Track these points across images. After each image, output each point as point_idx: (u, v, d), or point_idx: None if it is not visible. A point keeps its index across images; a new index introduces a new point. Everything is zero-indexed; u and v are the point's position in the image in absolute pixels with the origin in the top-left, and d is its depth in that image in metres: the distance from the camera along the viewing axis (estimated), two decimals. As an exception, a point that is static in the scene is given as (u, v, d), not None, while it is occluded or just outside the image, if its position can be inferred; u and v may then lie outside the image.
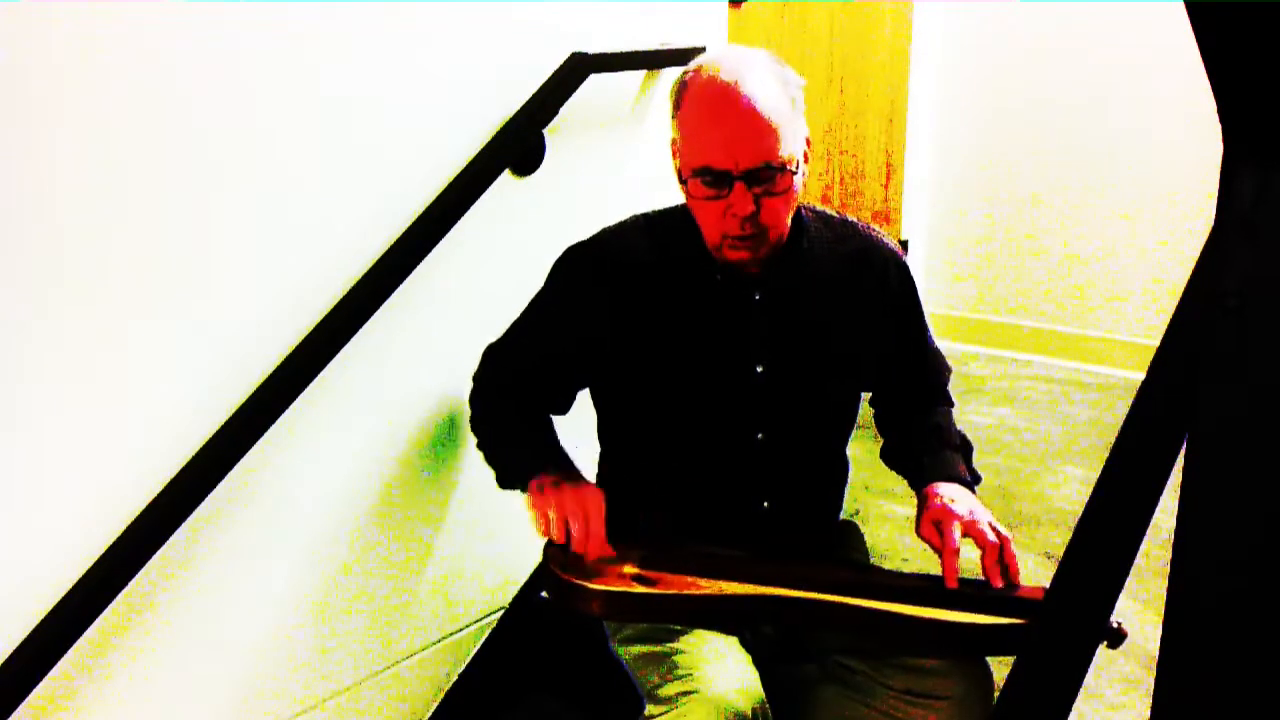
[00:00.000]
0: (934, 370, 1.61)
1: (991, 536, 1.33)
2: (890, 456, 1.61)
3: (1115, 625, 1.24)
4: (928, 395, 1.61)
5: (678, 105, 1.36)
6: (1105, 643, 1.24)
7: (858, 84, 3.39)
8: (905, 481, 1.55)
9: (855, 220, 1.55)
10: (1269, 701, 0.65)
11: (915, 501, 1.46)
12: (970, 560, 1.34)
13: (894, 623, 1.28)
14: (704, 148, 1.30)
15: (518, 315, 1.56)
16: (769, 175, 1.30)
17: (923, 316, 1.57)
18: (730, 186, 1.30)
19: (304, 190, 1.50)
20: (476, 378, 1.61)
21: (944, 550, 1.32)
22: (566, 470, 1.43)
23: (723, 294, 1.43)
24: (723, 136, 1.29)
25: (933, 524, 1.37)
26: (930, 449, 1.51)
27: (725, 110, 1.29)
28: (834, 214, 1.54)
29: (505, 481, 1.49)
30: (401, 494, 1.72)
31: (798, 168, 1.33)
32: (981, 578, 1.32)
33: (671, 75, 1.43)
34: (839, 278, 1.47)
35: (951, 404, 1.62)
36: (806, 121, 1.37)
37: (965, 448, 1.54)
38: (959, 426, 1.58)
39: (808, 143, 1.37)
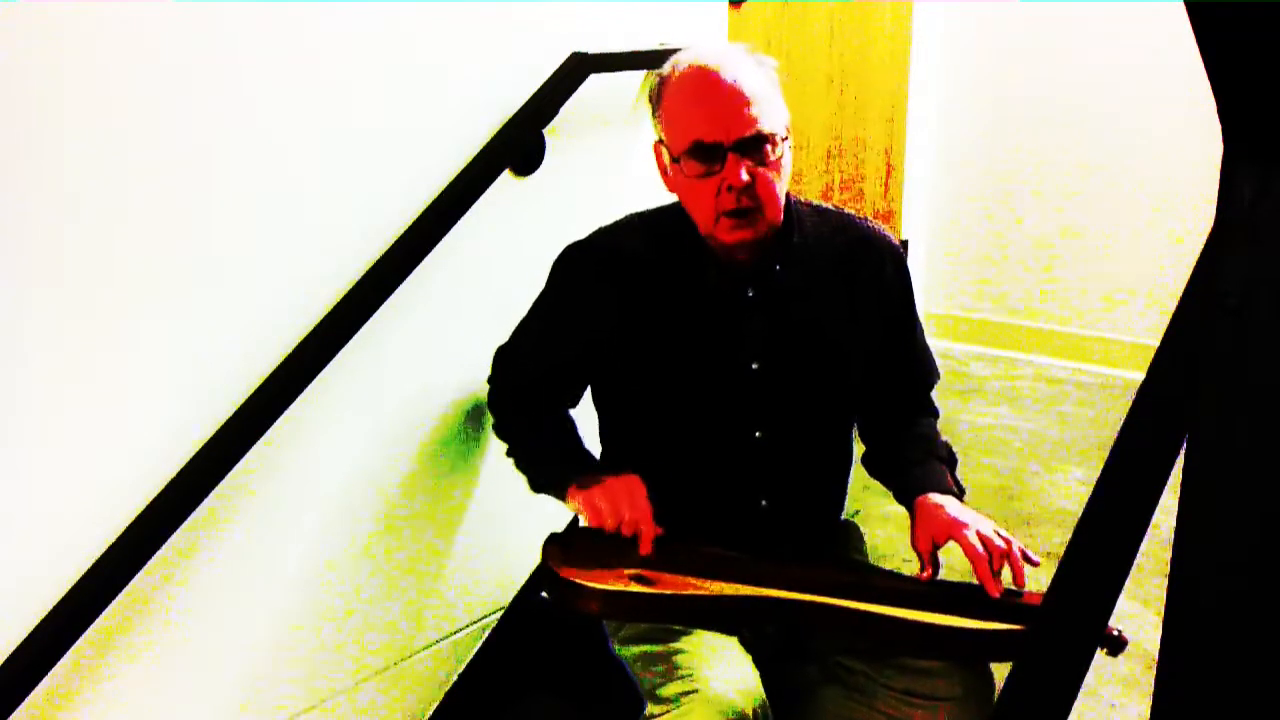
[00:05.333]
0: (922, 370, 1.59)
1: (999, 543, 1.33)
2: (874, 465, 1.60)
3: (1116, 633, 1.23)
4: (913, 400, 1.60)
5: (659, 100, 1.38)
6: (1106, 650, 1.24)
7: (858, 84, 3.39)
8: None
9: (852, 213, 1.55)
10: (1269, 701, 0.65)
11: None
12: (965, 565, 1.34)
13: (893, 627, 1.28)
14: (692, 125, 1.33)
15: (523, 316, 1.57)
16: (758, 144, 1.32)
17: (915, 312, 1.56)
18: (723, 160, 1.32)
19: (304, 190, 1.50)
20: (491, 381, 1.62)
21: (976, 563, 1.31)
22: (597, 470, 1.47)
23: (717, 292, 1.43)
24: (710, 110, 1.31)
25: (942, 538, 1.36)
26: (918, 459, 1.51)
27: (710, 88, 1.32)
28: (830, 207, 1.54)
29: (538, 488, 1.52)
30: (402, 494, 1.71)
31: (786, 138, 1.35)
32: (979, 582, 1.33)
33: (671, 75, 1.43)
34: (835, 270, 1.47)
35: (937, 414, 1.61)
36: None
37: (951, 460, 1.53)
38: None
39: (787, 130, 1.39)
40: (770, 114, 1.33)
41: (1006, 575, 1.32)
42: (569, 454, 1.52)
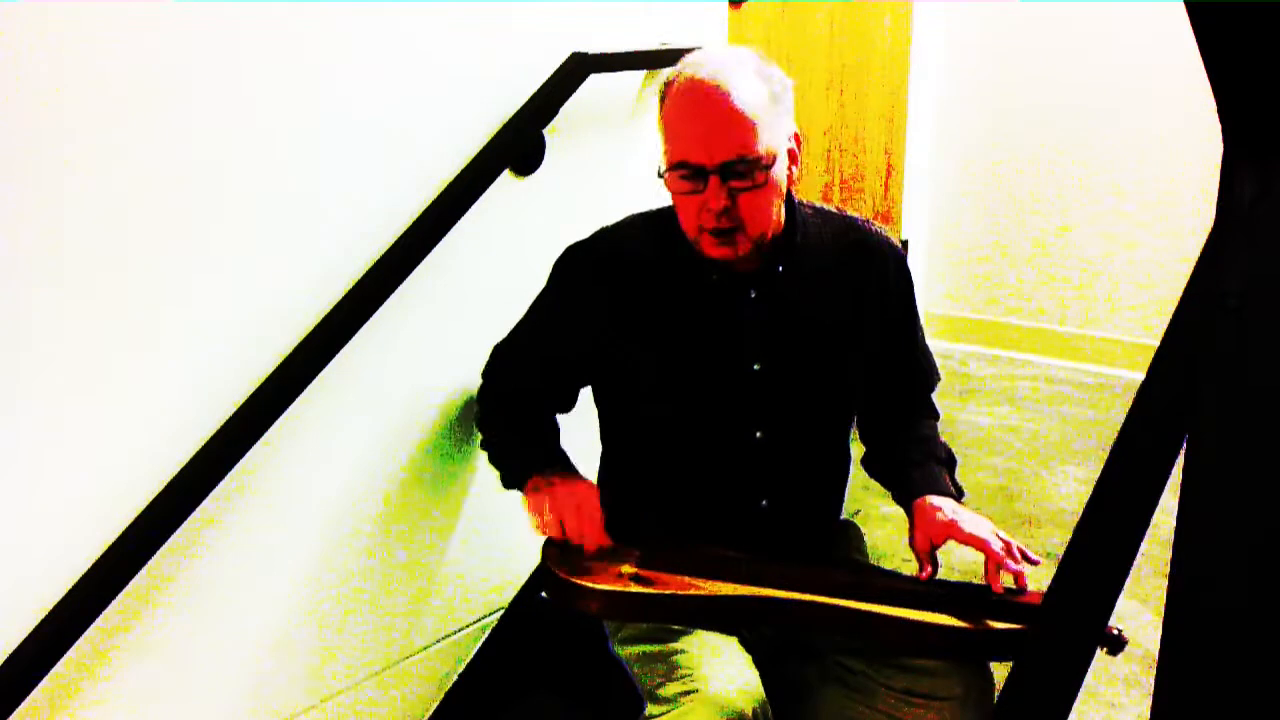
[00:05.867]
0: (922, 372, 1.59)
1: (998, 544, 1.33)
2: (873, 466, 1.60)
3: (1116, 632, 1.23)
4: (913, 402, 1.60)
5: (661, 105, 1.37)
6: (1106, 650, 1.24)
7: (858, 84, 3.39)
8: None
9: (855, 215, 1.55)
10: (1269, 701, 0.65)
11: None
12: (972, 564, 1.34)
13: (893, 627, 1.28)
14: (680, 142, 1.32)
15: (523, 314, 1.57)
16: (744, 169, 1.30)
17: (916, 315, 1.56)
18: (705, 181, 1.31)
19: (305, 190, 1.50)
20: (485, 374, 1.63)
21: (981, 548, 1.32)
22: (563, 471, 1.48)
23: (718, 292, 1.43)
24: (697, 131, 1.30)
25: (940, 539, 1.37)
26: (917, 461, 1.51)
27: (701, 105, 1.30)
28: (834, 209, 1.54)
29: (507, 482, 1.54)
30: (402, 494, 1.71)
31: (775, 161, 1.33)
32: (981, 582, 1.33)
33: (671, 75, 1.43)
34: (836, 272, 1.47)
35: (937, 416, 1.62)
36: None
37: (950, 462, 1.54)
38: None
39: (797, 140, 1.38)
40: (764, 134, 1.31)
41: (1007, 576, 1.32)
42: (536, 452, 1.53)
